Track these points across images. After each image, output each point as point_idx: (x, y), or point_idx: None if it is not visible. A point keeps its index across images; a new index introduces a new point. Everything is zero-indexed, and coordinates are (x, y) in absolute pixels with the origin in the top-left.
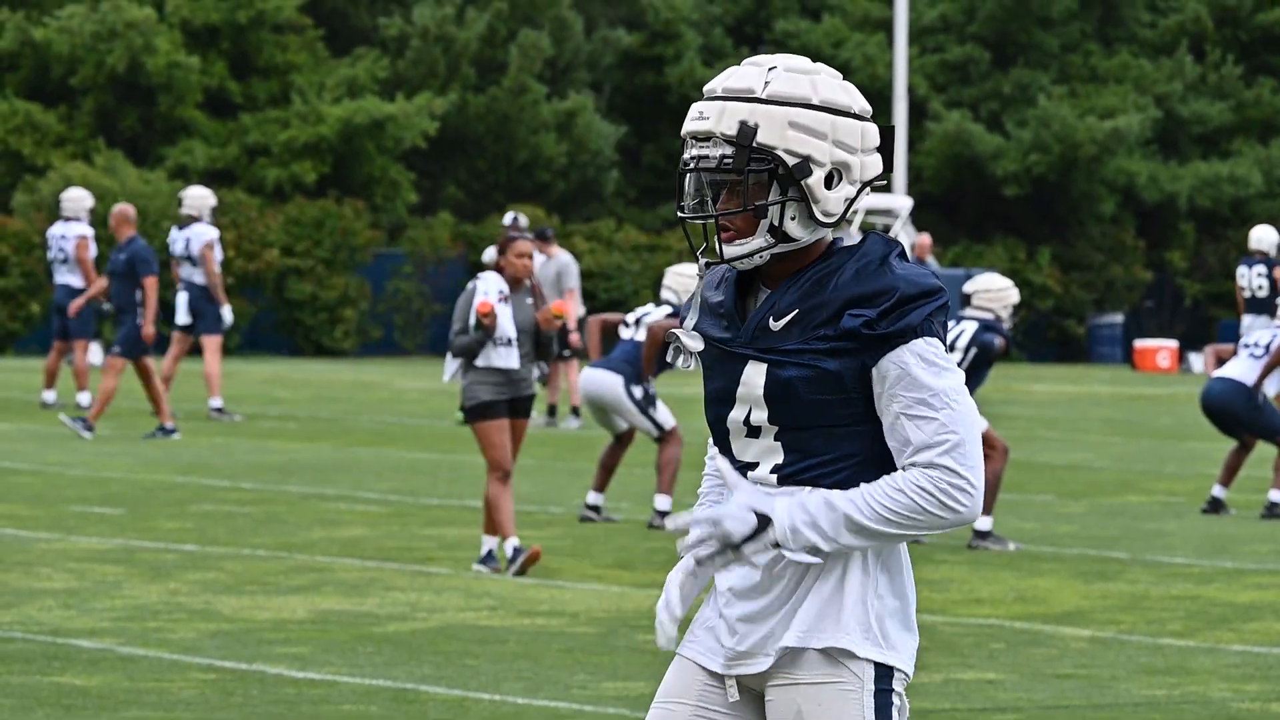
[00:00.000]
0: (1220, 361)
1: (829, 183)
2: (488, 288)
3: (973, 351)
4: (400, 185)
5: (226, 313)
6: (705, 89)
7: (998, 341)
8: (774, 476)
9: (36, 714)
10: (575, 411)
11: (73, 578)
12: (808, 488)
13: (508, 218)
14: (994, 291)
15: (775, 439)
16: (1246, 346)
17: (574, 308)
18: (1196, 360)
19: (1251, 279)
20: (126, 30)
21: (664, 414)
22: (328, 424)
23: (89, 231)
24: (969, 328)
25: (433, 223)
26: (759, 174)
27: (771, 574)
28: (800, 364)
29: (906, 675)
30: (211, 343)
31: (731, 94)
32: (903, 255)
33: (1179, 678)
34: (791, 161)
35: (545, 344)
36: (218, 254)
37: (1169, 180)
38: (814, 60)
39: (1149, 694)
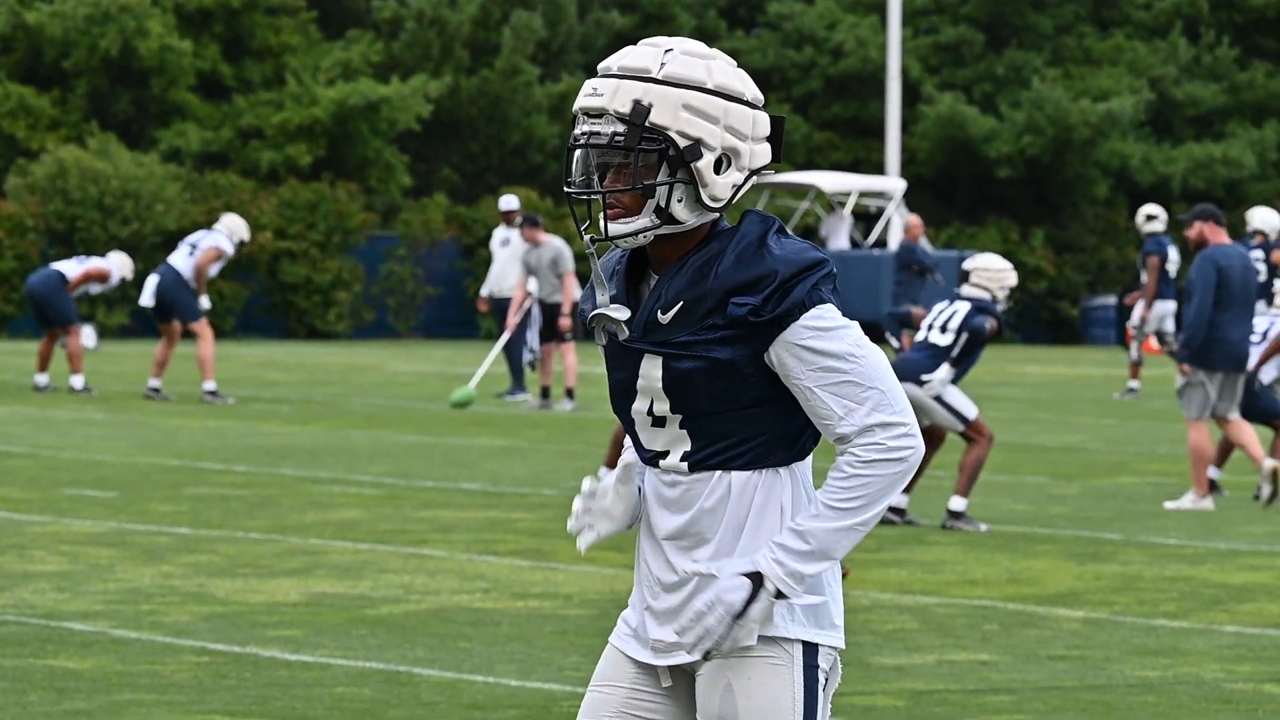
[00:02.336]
0: None
1: (718, 168)
2: None
3: (964, 335)
4: (394, 168)
5: (203, 300)
6: (600, 67)
7: (989, 324)
8: (685, 464)
9: (30, 697)
10: (570, 394)
11: (66, 560)
12: (766, 548)
13: (503, 201)
14: (992, 271)
15: (681, 427)
16: None
17: (570, 291)
18: None
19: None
20: (119, 13)
21: None
22: (321, 407)
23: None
24: (961, 309)
25: (426, 205)
26: (649, 154)
27: (691, 564)
28: (694, 356)
29: (834, 651)
30: (201, 328)
31: (627, 72)
32: (781, 231)
33: (1172, 659)
34: (683, 143)
35: None
36: (215, 268)
37: (1162, 162)
38: (808, 42)
39: (1142, 675)
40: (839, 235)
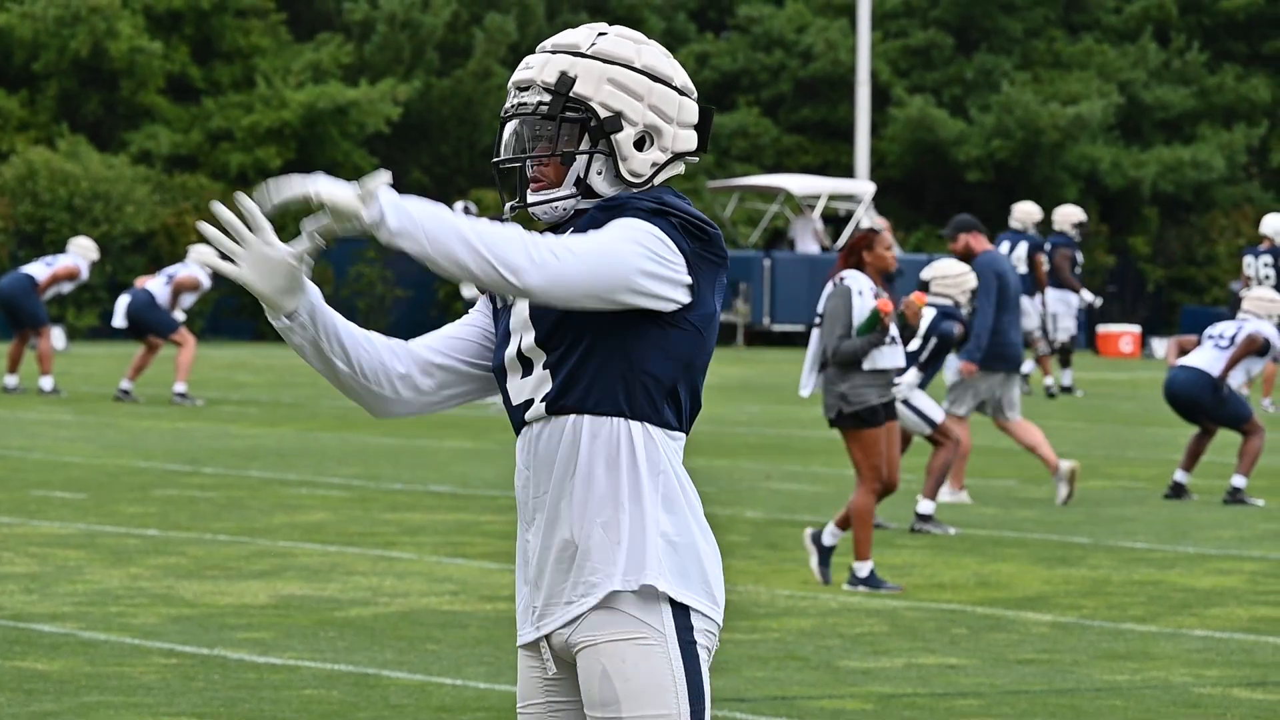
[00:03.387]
0: (1183, 352)
1: (640, 145)
2: (861, 286)
3: (933, 340)
4: (364, 170)
5: (177, 313)
6: (539, 46)
7: (956, 328)
8: (543, 406)
9: None
10: None
11: (34, 562)
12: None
13: (457, 207)
14: (951, 278)
15: (544, 368)
16: (1211, 337)
17: None
18: (1159, 345)
19: (1258, 268)
20: (89, 15)
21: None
22: (290, 409)
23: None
24: (927, 314)
25: None
26: (571, 123)
27: (553, 520)
28: None
29: (710, 621)
30: (181, 336)
31: (558, 48)
32: (677, 200)
33: (1140, 663)
34: (604, 114)
35: (909, 335)
36: (190, 298)
37: (1132, 166)
38: (778, 45)
39: (1110, 679)
40: (807, 238)
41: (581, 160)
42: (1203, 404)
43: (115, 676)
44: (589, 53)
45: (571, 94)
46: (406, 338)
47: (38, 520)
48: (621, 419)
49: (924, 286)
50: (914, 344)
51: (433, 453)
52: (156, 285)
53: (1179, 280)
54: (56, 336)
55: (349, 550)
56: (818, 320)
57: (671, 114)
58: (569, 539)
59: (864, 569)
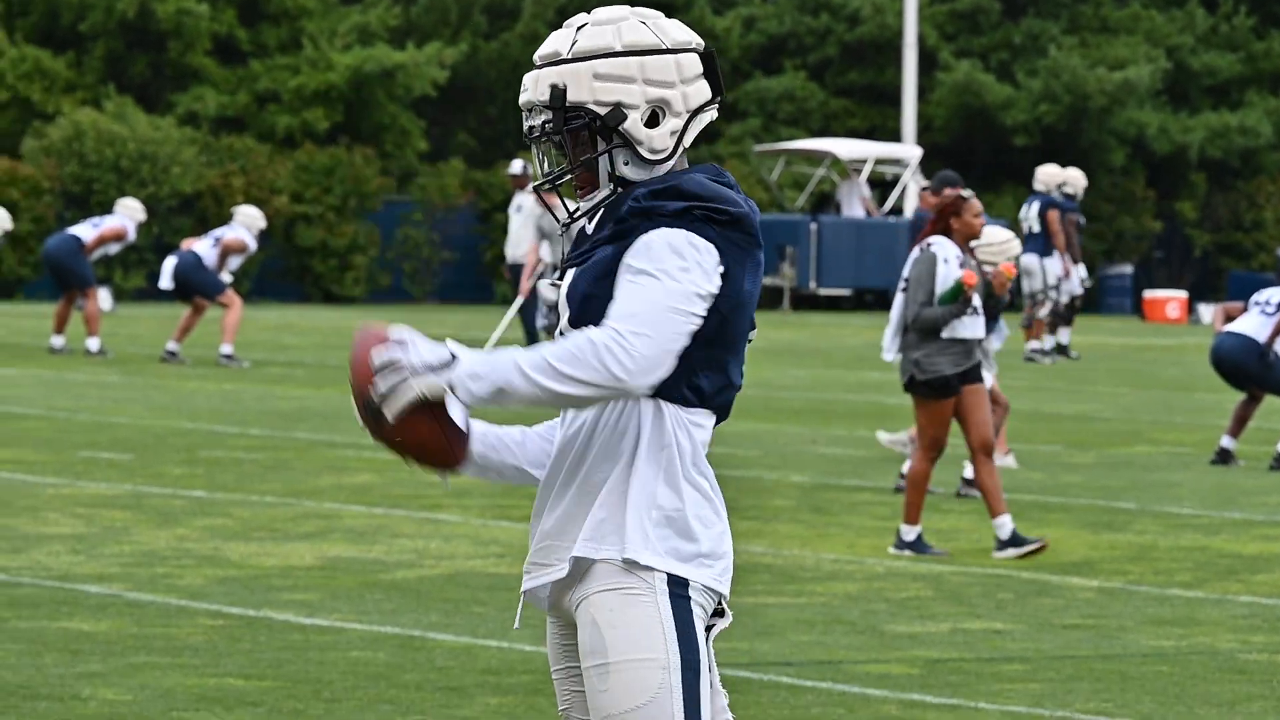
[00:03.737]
0: (1230, 318)
1: (651, 122)
2: (947, 254)
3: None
4: (410, 133)
5: (224, 275)
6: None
7: (1005, 296)
8: None
9: (44, 659)
10: None
11: (81, 523)
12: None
13: (514, 165)
14: (996, 245)
15: None
16: (1258, 304)
17: None
18: (1206, 311)
19: None
20: None
21: None
22: (336, 371)
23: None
24: None
25: (443, 170)
26: (578, 131)
27: (571, 485)
28: (587, 257)
29: (708, 588)
30: (228, 298)
31: (543, 60)
32: (721, 176)
33: (1186, 628)
34: (602, 111)
35: (995, 307)
36: (237, 260)
37: (1179, 131)
38: (824, 9)
39: (1156, 644)
40: (854, 202)
41: (603, 161)
42: (1249, 370)
43: (161, 637)
44: (570, 55)
45: (567, 104)
46: (453, 300)
47: (84, 481)
48: (626, 401)
49: (970, 253)
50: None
51: (479, 414)
52: (203, 247)
53: (1226, 246)
54: (103, 298)
55: (395, 512)
56: (903, 285)
57: (671, 78)
58: (563, 504)
59: (911, 533)
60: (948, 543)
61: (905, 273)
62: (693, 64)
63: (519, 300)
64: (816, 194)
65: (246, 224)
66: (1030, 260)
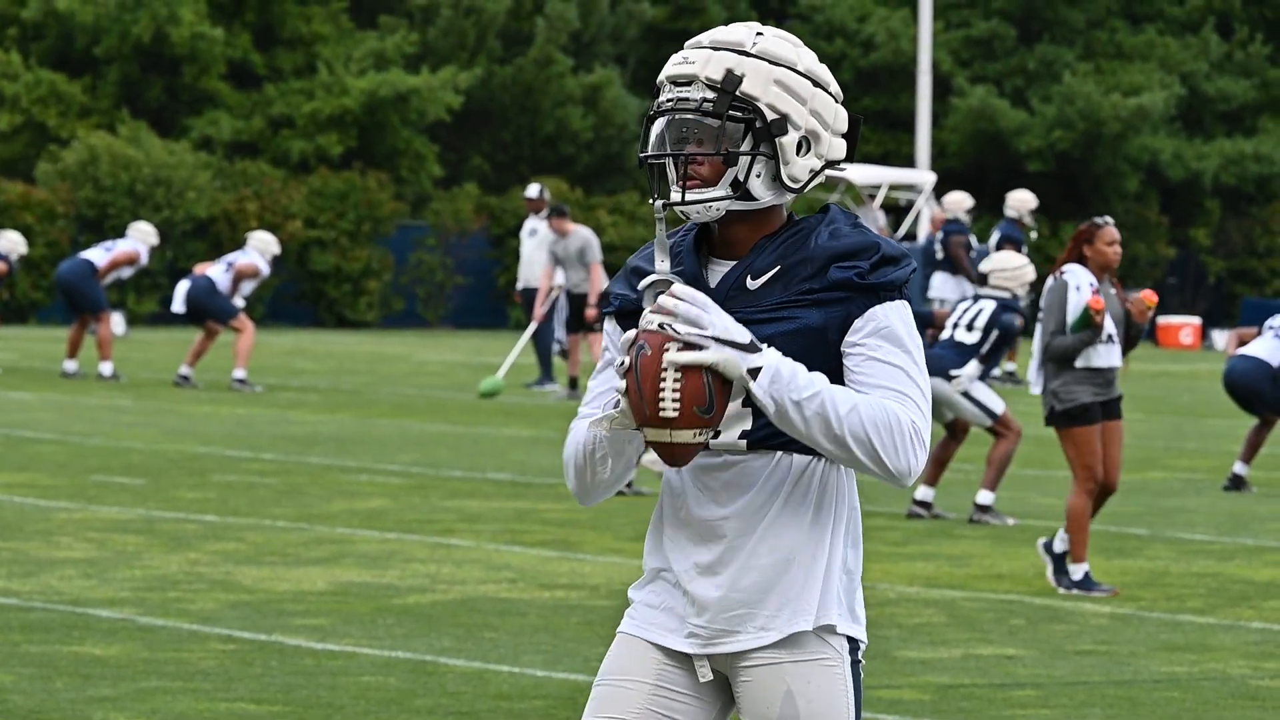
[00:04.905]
0: (1243, 344)
1: (800, 149)
2: (1079, 282)
3: (994, 332)
4: (424, 158)
5: (237, 300)
6: (689, 41)
7: (1018, 321)
8: (743, 442)
9: (55, 683)
10: None
11: (93, 547)
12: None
13: (530, 189)
14: (1010, 270)
15: (744, 404)
16: (1272, 328)
17: (598, 281)
18: (1220, 337)
19: None
20: (151, 0)
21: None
22: (349, 395)
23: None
24: (987, 307)
25: (457, 195)
26: (737, 122)
27: (745, 550)
28: (783, 318)
29: (865, 643)
30: (241, 323)
31: (720, 45)
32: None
33: (1199, 654)
34: (771, 116)
35: (1135, 336)
36: (250, 285)
37: (1193, 158)
38: (839, 34)
39: (1169, 670)
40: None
41: (743, 161)
42: (1262, 394)
43: (173, 662)
44: (754, 52)
45: (739, 93)
46: (466, 325)
47: (96, 506)
48: (821, 459)
49: (983, 279)
50: (972, 337)
51: (491, 440)
52: (217, 272)
53: (1240, 272)
54: (116, 322)
55: (407, 537)
56: (1040, 316)
57: (829, 120)
58: (760, 569)
59: (1078, 571)
60: (960, 568)
61: (1041, 302)
62: (844, 119)
63: (532, 326)
64: None
65: (260, 249)
66: None
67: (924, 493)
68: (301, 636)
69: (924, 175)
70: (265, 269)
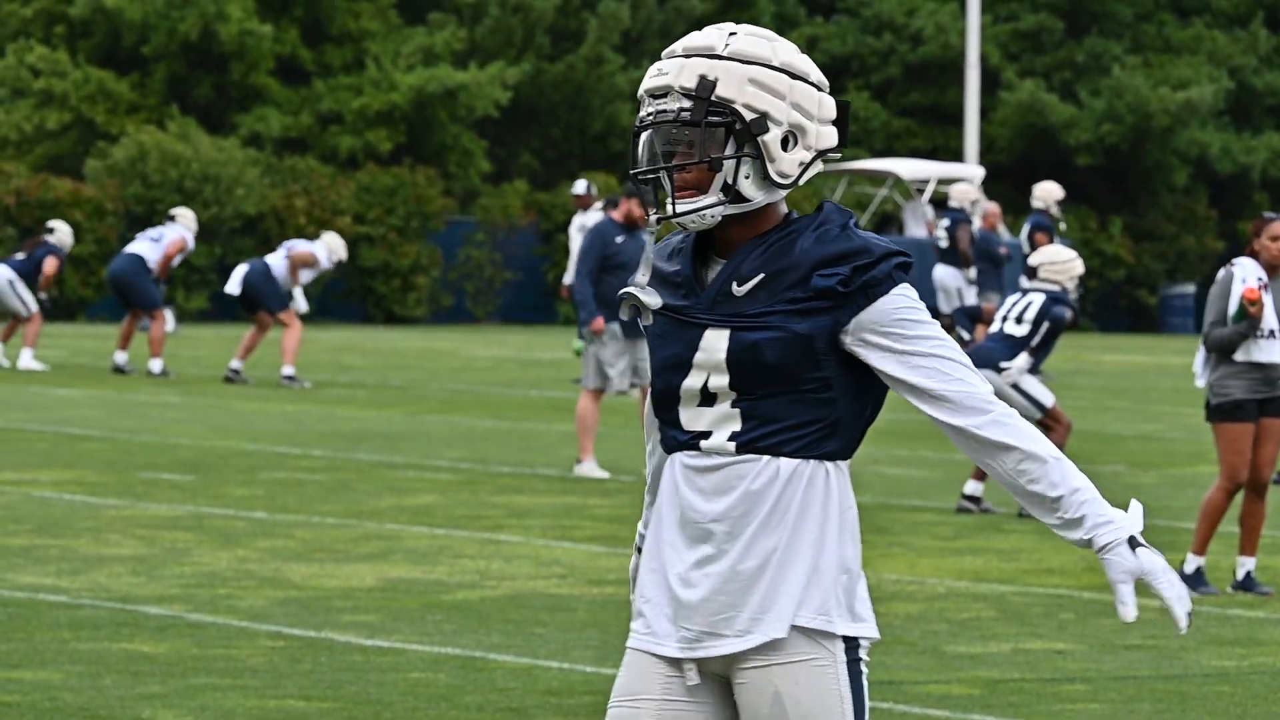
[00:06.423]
0: None
1: (785, 144)
2: (1246, 274)
3: (1044, 325)
4: (473, 153)
5: (297, 292)
6: (665, 52)
7: (1068, 314)
8: (732, 444)
9: (105, 680)
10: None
11: (142, 544)
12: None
13: (578, 185)
14: (1060, 264)
15: (733, 405)
16: None
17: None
18: None
19: None
20: None
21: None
22: (398, 391)
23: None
24: (1036, 300)
25: (506, 190)
26: (716, 128)
27: (733, 553)
28: (768, 326)
29: (870, 641)
30: (289, 317)
31: (692, 51)
32: (857, 224)
33: (1248, 648)
34: (749, 116)
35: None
36: (307, 274)
37: (1242, 152)
38: (887, 29)
39: (1218, 665)
40: (918, 222)
41: (729, 165)
42: None
43: (222, 659)
44: (725, 54)
45: (714, 97)
46: (514, 321)
47: (145, 502)
48: (816, 461)
49: (1033, 272)
50: (1021, 329)
51: (540, 435)
52: (275, 258)
53: None
54: (167, 319)
55: (456, 533)
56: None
57: (813, 111)
58: (747, 571)
59: (1191, 564)
60: (1010, 563)
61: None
62: (831, 107)
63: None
64: (879, 214)
65: (329, 246)
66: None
67: (973, 487)
68: (350, 633)
69: (973, 169)
70: (325, 262)
